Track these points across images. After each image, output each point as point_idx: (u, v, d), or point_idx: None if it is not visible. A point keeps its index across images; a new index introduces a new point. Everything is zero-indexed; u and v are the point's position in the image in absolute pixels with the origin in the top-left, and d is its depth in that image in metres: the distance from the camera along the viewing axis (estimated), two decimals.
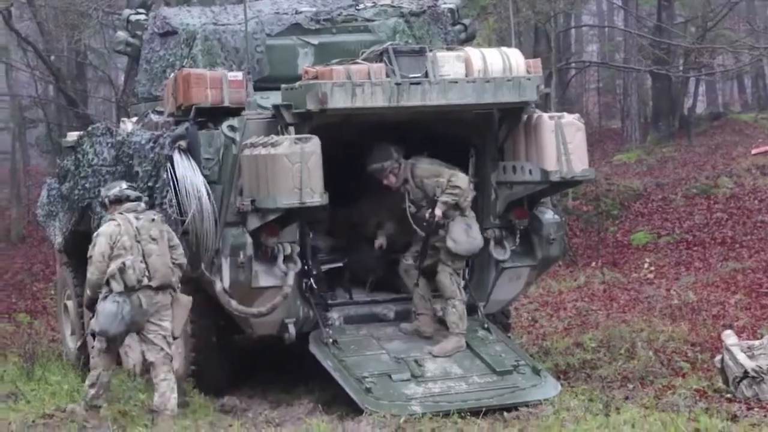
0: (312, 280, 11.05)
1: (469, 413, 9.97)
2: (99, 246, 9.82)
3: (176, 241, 10.16)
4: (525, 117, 11.15)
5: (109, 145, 12.14)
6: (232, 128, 10.68)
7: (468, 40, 12.72)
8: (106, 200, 10.21)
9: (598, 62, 35.25)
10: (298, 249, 10.82)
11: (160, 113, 11.61)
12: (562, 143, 10.89)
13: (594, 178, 13.40)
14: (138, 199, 10.17)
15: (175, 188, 10.56)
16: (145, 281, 9.79)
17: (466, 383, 10.59)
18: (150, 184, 11.10)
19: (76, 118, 24.94)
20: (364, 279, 11.83)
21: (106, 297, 9.75)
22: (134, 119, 12.61)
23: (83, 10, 22.71)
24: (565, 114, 11.21)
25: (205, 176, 10.61)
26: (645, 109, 32.45)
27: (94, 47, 29.22)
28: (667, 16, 29.10)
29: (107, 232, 9.85)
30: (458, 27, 12.65)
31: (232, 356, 11.61)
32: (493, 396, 10.42)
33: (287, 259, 10.73)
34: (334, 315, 11.26)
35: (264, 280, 10.70)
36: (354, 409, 10.23)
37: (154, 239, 9.90)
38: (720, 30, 28.98)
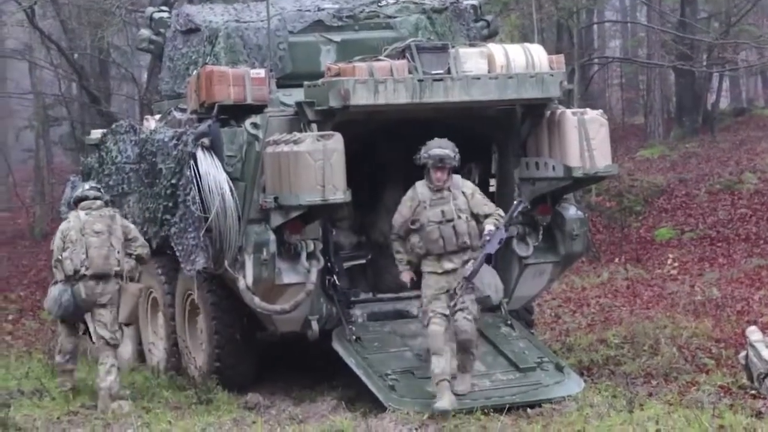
0: (335, 277, 11.05)
1: (492, 410, 9.96)
2: (55, 240, 11.00)
3: (134, 234, 11.06)
4: (548, 113, 11.11)
5: (133, 142, 12.21)
6: (254, 125, 10.70)
7: (490, 37, 12.69)
8: (71, 201, 11.31)
9: (621, 58, 35.05)
10: (321, 246, 10.82)
11: (183, 110, 11.63)
12: (585, 139, 10.86)
13: (617, 174, 13.38)
14: (97, 198, 11.03)
15: (198, 185, 10.59)
16: (83, 271, 10.74)
17: (490, 380, 10.56)
18: (173, 181, 11.15)
19: (99, 115, 24.95)
20: (388, 285, 11.75)
21: (56, 283, 10.89)
22: (157, 117, 12.64)
23: (106, 8, 22.69)
24: (588, 110, 11.18)
25: (228, 173, 10.62)
26: (668, 104, 32.32)
27: (118, 45, 29.23)
28: (691, 11, 28.98)
29: (61, 228, 11.02)
30: (481, 23, 12.63)
31: (256, 353, 11.62)
32: (517, 393, 10.39)
33: (310, 256, 10.73)
34: (358, 312, 11.25)
35: (287, 277, 10.70)
36: (377, 407, 10.23)
37: (96, 233, 10.83)
38: (743, 25, 28.83)
